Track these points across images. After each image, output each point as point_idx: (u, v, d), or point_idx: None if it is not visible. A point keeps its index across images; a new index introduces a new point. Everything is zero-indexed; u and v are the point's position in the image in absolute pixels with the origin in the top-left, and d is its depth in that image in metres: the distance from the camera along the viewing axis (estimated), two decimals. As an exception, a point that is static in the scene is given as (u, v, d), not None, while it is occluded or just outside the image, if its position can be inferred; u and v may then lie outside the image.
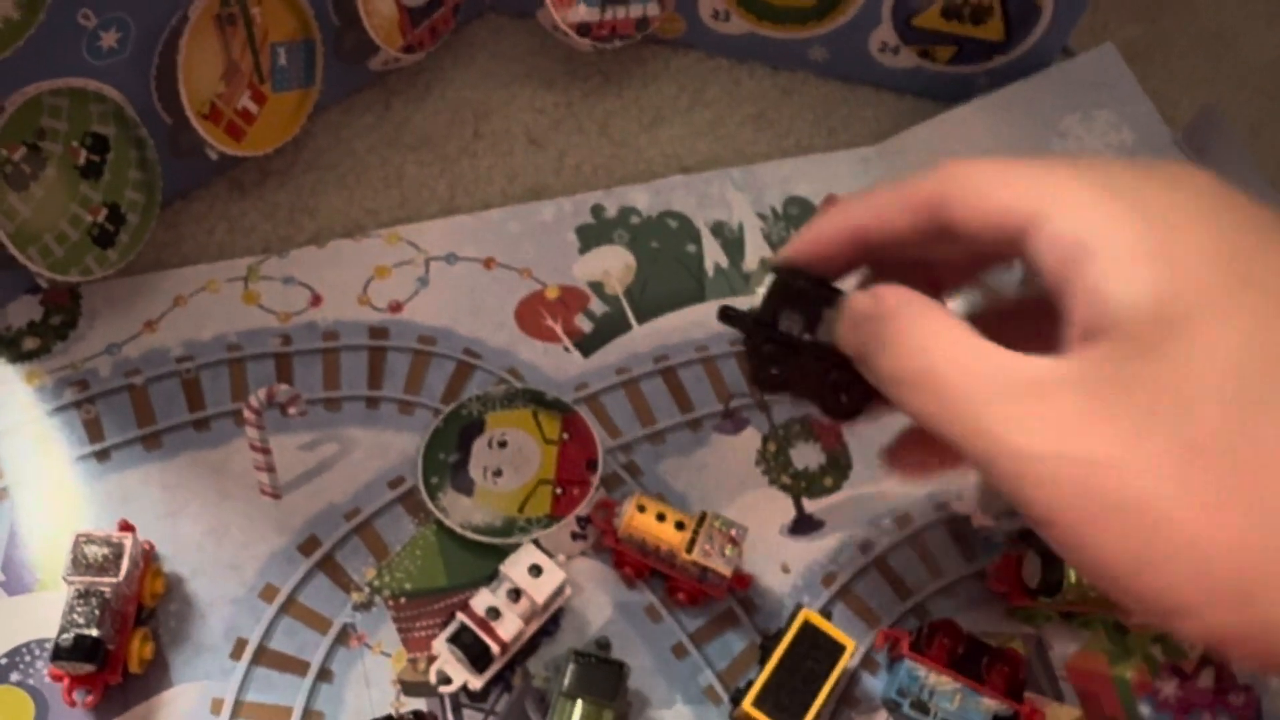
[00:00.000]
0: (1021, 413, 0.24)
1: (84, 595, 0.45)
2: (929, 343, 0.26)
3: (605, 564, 0.51)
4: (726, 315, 0.32)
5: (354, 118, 0.65)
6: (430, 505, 0.52)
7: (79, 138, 0.51)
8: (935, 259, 0.32)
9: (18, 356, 0.54)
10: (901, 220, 0.29)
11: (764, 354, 0.31)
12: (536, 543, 0.49)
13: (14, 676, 0.47)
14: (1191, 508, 0.22)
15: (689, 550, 0.48)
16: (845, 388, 0.30)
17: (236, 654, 0.48)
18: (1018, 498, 0.24)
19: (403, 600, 0.50)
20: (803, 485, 0.54)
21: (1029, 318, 0.31)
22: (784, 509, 0.54)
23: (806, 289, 0.30)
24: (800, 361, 0.31)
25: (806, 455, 0.55)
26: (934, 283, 0.33)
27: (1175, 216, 0.24)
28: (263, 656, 0.48)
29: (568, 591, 0.48)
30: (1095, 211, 0.25)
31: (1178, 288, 0.23)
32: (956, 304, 0.33)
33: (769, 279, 0.31)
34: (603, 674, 0.46)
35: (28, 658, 0.47)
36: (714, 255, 0.61)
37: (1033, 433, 0.24)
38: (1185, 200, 0.25)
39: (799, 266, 0.31)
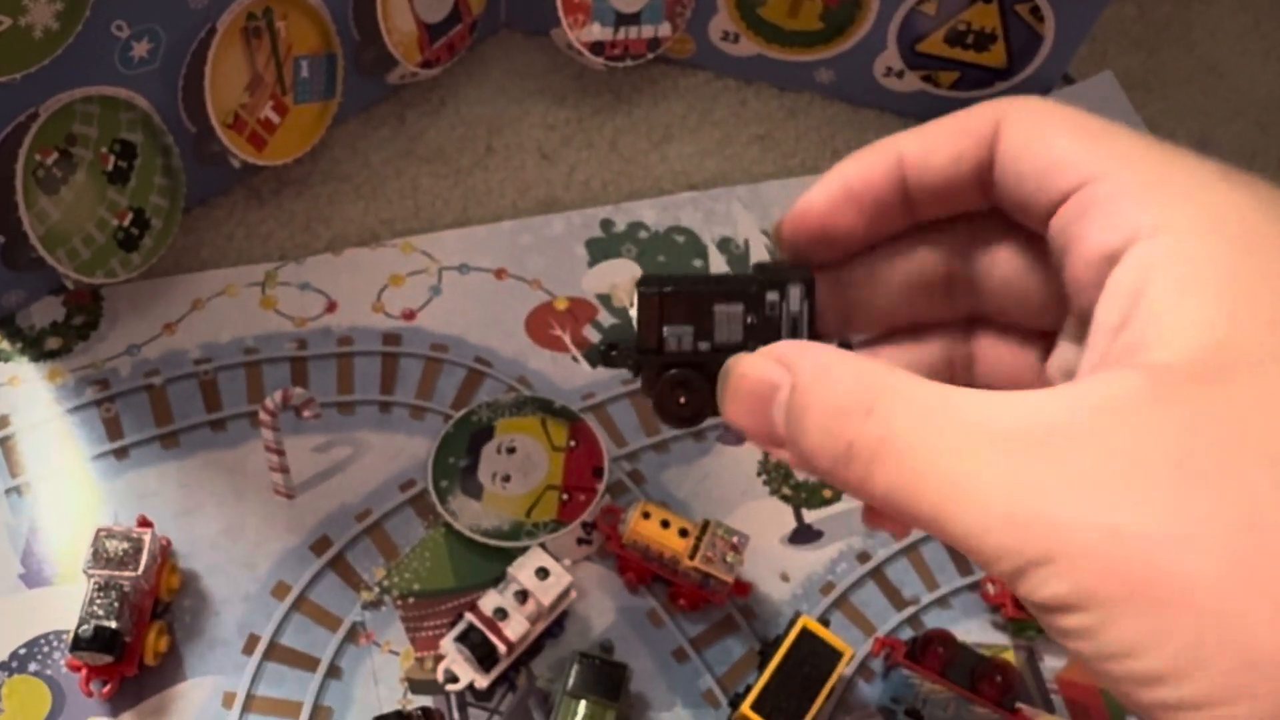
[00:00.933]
0: (1027, 471, 0.18)
1: (104, 588, 0.46)
2: (876, 402, 0.20)
3: (609, 569, 0.53)
4: (607, 358, 0.27)
5: (371, 130, 0.66)
6: (440, 508, 0.53)
7: (108, 144, 0.52)
8: (952, 250, 0.26)
9: (40, 355, 0.56)
10: (947, 149, 0.24)
11: (666, 384, 0.25)
12: (543, 547, 0.50)
13: (32, 667, 0.48)
14: (1244, 596, 0.17)
15: (691, 557, 0.49)
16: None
17: (248, 649, 0.49)
18: (1021, 577, 0.19)
19: (411, 600, 0.51)
20: (803, 496, 0.56)
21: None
22: (784, 519, 0.55)
23: (683, 292, 0.25)
24: (708, 377, 0.25)
25: (807, 467, 0.57)
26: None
27: (1258, 239, 0.19)
28: (274, 652, 0.50)
29: (573, 594, 0.50)
30: (1164, 196, 0.20)
31: (1249, 319, 0.18)
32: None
33: (636, 295, 0.26)
34: (606, 675, 0.47)
35: (45, 649, 0.48)
36: (720, 270, 0.63)
37: (1044, 496, 0.18)
38: (1271, 223, 0.19)
39: (798, 237, 0.26)
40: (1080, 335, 0.23)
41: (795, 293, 0.25)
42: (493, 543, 0.53)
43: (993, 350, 0.27)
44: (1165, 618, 0.17)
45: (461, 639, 0.48)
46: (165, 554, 0.50)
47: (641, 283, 0.26)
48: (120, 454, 0.54)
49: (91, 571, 0.46)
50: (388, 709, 0.48)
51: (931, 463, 0.19)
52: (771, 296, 0.25)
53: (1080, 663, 0.52)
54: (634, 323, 0.26)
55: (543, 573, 0.48)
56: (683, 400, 0.25)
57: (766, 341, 0.24)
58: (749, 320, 0.25)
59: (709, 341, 0.25)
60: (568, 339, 0.59)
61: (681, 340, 0.25)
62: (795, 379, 0.22)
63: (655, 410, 0.26)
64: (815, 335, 0.25)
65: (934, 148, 0.24)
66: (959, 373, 0.27)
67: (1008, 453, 0.19)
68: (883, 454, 0.20)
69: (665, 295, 0.25)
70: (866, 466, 0.20)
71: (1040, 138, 0.22)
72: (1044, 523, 0.18)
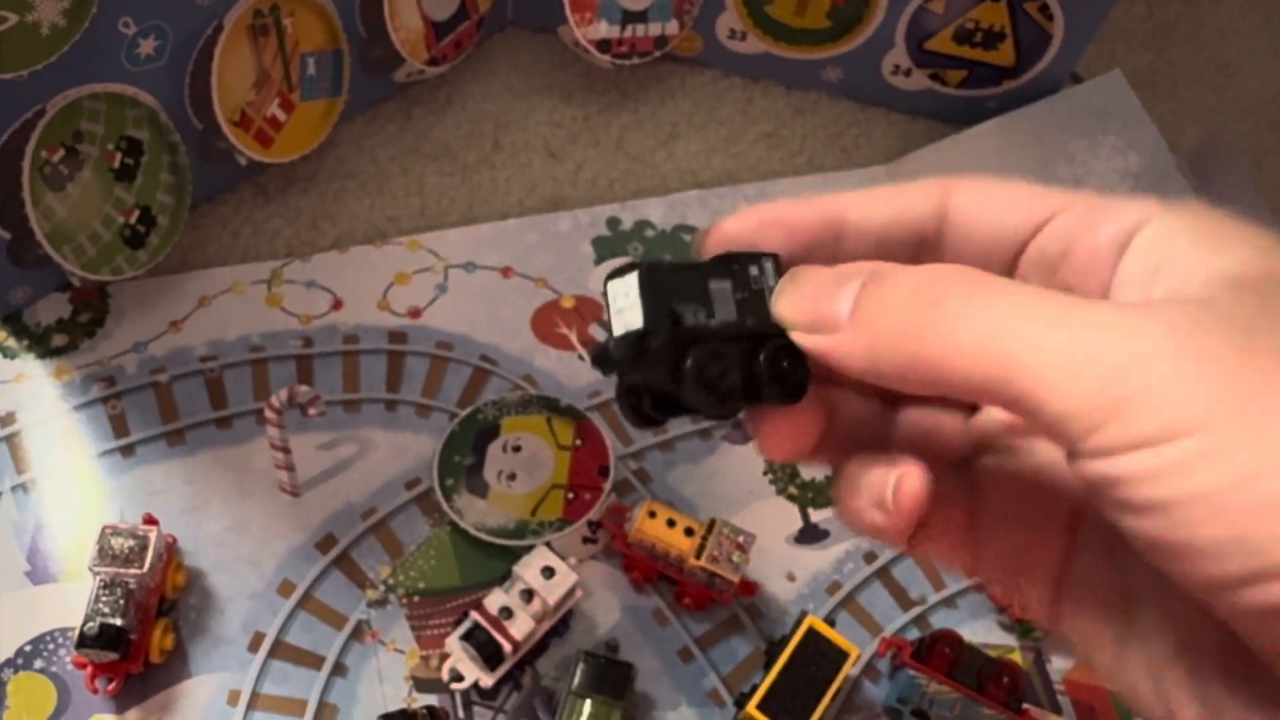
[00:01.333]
0: (1128, 326, 0.19)
1: (109, 585, 0.46)
2: (971, 273, 0.21)
3: (615, 568, 0.53)
4: (608, 358, 0.23)
5: (377, 128, 0.66)
6: (445, 506, 0.53)
7: (115, 141, 0.52)
8: None
9: (47, 352, 0.56)
10: (887, 209, 0.24)
11: (694, 367, 0.22)
12: (549, 545, 0.50)
13: (38, 664, 0.48)
14: None
15: (697, 556, 0.49)
16: (790, 355, 0.23)
17: (254, 647, 0.49)
18: (1103, 426, 0.18)
19: (416, 599, 0.51)
20: (809, 495, 0.56)
21: None
22: (791, 518, 0.55)
23: (681, 272, 0.23)
24: (732, 349, 0.23)
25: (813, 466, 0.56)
26: None
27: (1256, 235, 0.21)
28: (279, 650, 0.50)
29: (579, 593, 0.49)
30: (1158, 203, 0.22)
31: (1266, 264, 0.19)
32: None
33: (636, 280, 0.23)
34: (612, 674, 0.47)
35: (51, 646, 0.48)
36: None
37: (1148, 341, 0.18)
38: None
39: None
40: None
41: (769, 266, 0.24)
42: (498, 541, 0.52)
43: (917, 415, 0.26)
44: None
45: (467, 637, 0.47)
46: (171, 551, 0.50)
47: (617, 272, 0.23)
48: (126, 451, 0.54)
49: (97, 569, 0.46)
50: (393, 707, 0.48)
51: (1031, 313, 0.19)
52: (753, 270, 0.24)
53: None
54: (633, 315, 0.23)
55: (548, 571, 0.48)
56: (721, 375, 0.23)
57: (757, 315, 0.23)
58: (738, 296, 0.24)
59: (714, 316, 0.23)
60: (574, 337, 0.59)
61: (698, 317, 0.23)
62: (878, 268, 0.22)
63: (698, 406, 0.23)
64: None
65: (873, 205, 0.24)
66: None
67: (1110, 314, 0.19)
68: (975, 305, 0.20)
69: (669, 272, 0.23)
70: (953, 318, 0.20)
71: (1001, 187, 0.23)
72: (1137, 365, 0.18)
